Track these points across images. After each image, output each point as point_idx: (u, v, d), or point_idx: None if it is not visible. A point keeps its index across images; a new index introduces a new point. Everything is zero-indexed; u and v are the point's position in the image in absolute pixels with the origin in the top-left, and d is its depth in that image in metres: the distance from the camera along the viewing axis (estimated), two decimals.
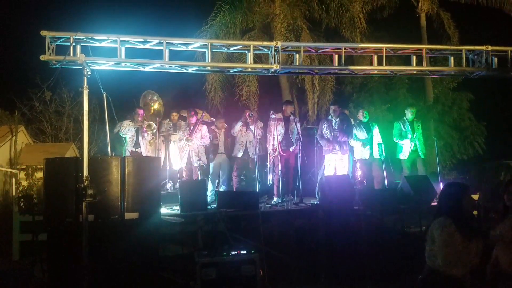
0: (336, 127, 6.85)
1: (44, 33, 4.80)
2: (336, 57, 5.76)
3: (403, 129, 7.49)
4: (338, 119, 6.90)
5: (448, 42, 12.06)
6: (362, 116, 7.59)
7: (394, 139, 7.56)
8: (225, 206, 5.56)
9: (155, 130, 7.43)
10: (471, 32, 11.87)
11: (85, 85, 4.19)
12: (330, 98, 12.12)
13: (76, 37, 4.87)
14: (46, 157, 4.63)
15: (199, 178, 6.97)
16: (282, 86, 12.52)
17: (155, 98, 7.92)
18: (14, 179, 8.98)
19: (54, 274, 4.30)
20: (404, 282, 4.94)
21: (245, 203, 5.69)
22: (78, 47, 5.00)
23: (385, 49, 5.72)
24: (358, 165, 7.73)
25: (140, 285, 4.20)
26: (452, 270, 2.77)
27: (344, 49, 5.68)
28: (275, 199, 6.81)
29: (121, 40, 5.06)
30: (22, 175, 9.08)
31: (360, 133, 7.44)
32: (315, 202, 6.37)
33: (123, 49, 5.12)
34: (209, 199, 6.49)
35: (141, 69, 5.36)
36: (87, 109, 4.11)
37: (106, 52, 5.17)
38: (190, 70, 5.58)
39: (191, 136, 7.13)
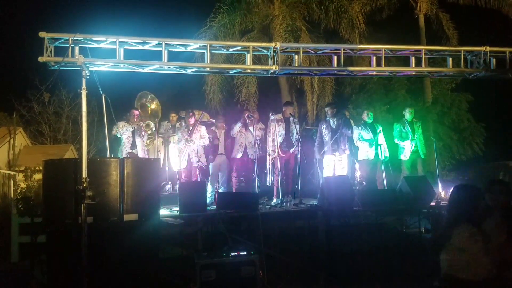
0: (334, 127, 6.86)
1: (42, 34, 4.79)
2: (335, 58, 5.76)
3: (404, 130, 7.51)
4: (335, 119, 6.91)
5: (447, 43, 12.07)
6: (366, 116, 7.61)
7: (395, 140, 7.58)
8: (224, 207, 5.55)
9: (154, 129, 7.41)
10: (470, 33, 11.89)
11: (84, 86, 4.17)
12: (329, 99, 12.12)
13: (75, 38, 4.85)
14: (45, 158, 4.61)
15: (199, 179, 6.96)
16: (281, 87, 12.53)
17: (150, 98, 7.90)
18: (12, 181, 8.96)
19: (53, 276, 4.28)
20: (404, 282, 4.94)
21: (245, 204, 5.68)
22: (77, 48, 4.98)
23: (384, 50, 5.72)
24: (357, 165, 7.74)
25: (140, 287, 4.19)
26: (476, 277, 2.74)
27: (343, 50, 5.68)
28: (274, 200, 6.81)
29: (119, 41, 5.04)
30: (20, 177, 9.07)
31: (365, 133, 7.46)
32: (315, 203, 6.36)
33: (122, 50, 5.11)
34: (208, 200, 6.47)
35: (140, 70, 5.35)
36: (85, 110, 4.10)
37: (104, 53, 5.16)
38: (189, 71, 5.57)
39: (191, 137, 7.11)
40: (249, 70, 5.85)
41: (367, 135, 7.45)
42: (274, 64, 5.47)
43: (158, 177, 5.27)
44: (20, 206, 6.26)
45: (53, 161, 4.62)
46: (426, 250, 4.42)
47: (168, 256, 5.36)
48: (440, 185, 7.17)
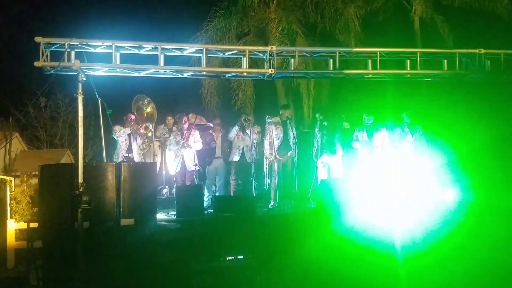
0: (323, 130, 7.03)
1: (38, 39, 4.79)
2: (331, 61, 5.79)
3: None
4: (325, 122, 7.09)
5: (443, 45, 12.12)
6: (366, 120, 7.61)
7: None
8: (221, 210, 5.55)
9: (153, 130, 7.40)
10: (465, 36, 11.95)
11: (80, 91, 4.17)
12: (326, 102, 12.16)
13: (71, 43, 4.85)
14: (41, 163, 4.60)
15: (195, 183, 6.94)
16: (278, 91, 12.54)
17: (146, 102, 7.88)
18: (8, 186, 8.90)
19: (49, 282, 4.26)
20: None
21: (242, 208, 5.68)
22: (73, 53, 4.99)
23: (379, 53, 5.76)
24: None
25: None
26: None
27: (339, 53, 5.71)
28: (272, 203, 6.80)
29: (116, 46, 5.05)
30: (16, 182, 9.00)
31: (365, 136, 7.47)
32: (311, 206, 6.37)
33: (118, 55, 5.12)
34: (205, 204, 6.46)
35: (136, 74, 5.36)
36: (81, 115, 4.09)
37: (101, 58, 5.16)
38: (185, 75, 5.59)
39: (187, 142, 7.10)
40: (245, 74, 5.88)
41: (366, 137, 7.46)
42: (270, 67, 5.49)
43: (155, 181, 5.27)
44: (16, 211, 6.23)
45: (49, 166, 4.61)
46: None
47: (165, 261, 5.33)
48: None
